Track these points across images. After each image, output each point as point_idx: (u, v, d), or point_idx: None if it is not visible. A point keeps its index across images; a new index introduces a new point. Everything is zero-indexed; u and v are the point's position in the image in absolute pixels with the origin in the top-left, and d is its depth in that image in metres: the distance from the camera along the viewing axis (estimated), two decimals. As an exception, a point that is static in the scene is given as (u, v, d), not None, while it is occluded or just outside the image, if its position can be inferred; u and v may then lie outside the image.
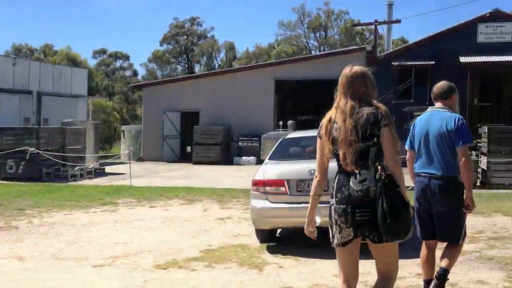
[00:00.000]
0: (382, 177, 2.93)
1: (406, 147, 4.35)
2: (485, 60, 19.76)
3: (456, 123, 4.06)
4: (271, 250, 6.27)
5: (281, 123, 20.61)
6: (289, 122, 20.27)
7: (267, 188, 6.19)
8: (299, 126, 19.05)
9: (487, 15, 20.38)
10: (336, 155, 3.11)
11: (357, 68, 3.16)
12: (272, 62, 27.06)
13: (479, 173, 14.02)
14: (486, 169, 13.05)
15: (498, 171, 12.82)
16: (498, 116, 19.78)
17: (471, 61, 19.78)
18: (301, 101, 23.01)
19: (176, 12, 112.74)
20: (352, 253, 3.14)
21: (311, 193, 3.26)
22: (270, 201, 6.17)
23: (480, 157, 14.07)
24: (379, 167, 2.96)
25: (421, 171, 4.14)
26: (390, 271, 3.16)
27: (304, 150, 6.93)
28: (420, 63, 20.77)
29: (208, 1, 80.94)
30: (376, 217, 2.92)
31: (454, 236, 4.12)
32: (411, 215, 3.05)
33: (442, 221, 4.08)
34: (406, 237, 3.01)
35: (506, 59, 19.57)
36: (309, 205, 3.27)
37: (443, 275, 4.02)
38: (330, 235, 3.15)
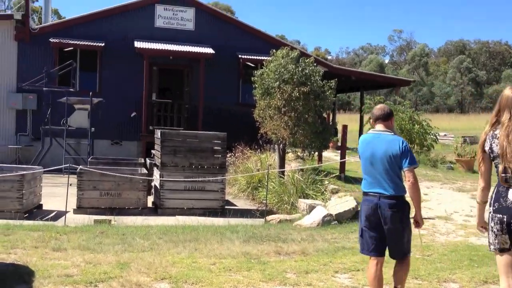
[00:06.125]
0: None
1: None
2: (164, 48, 16.35)
3: (400, 146, 4.35)
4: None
5: None
6: None
7: None
8: None
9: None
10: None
11: None
12: None
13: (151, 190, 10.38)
14: (159, 187, 9.42)
15: (174, 190, 9.31)
16: (180, 116, 16.54)
17: (148, 47, 16.13)
18: None
19: None
20: (508, 259, 3.45)
21: (477, 199, 3.66)
22: None
23: (153, 170, 10.43)
24: None
25: (369, 190, 4.39)
26: None
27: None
28: (87, 43, 16.23)
29: None
30: None
31: (405, 251, 4.41)
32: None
33: (393, 237, 4.32)
34: None
35: (189, 50, 16.59)
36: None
37: None
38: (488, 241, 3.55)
